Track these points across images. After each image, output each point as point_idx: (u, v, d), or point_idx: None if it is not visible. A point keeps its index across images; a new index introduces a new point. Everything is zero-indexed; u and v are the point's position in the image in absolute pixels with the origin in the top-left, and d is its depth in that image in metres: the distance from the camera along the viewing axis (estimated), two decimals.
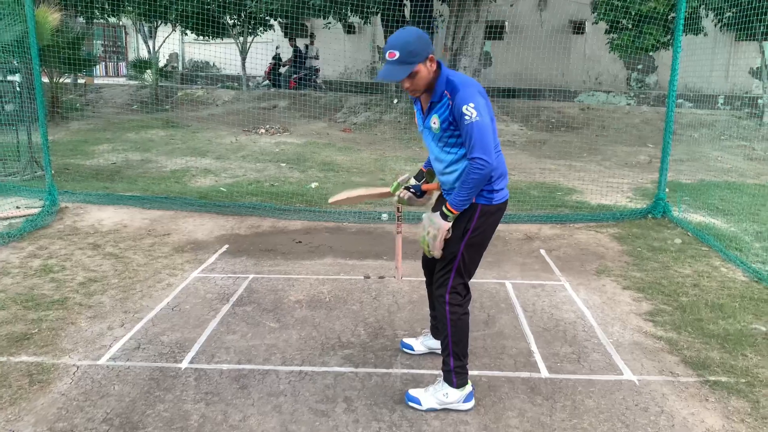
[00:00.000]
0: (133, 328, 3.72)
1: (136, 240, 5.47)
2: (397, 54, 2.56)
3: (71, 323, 3.78)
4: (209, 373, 3.21)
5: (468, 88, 2.60)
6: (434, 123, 2.73)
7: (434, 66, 2.67)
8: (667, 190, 6.50)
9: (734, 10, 11.40)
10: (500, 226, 6.07)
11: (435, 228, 2.74)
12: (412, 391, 2.94)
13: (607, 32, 12.60)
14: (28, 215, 5.92)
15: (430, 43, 2.64)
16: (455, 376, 2.86)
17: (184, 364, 3.30)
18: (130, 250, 5.18)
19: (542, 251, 5.40)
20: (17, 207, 6.33)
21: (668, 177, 6.52)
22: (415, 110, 2.94)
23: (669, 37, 11.91)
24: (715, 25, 13.02)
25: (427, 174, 3.13)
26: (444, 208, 2.71)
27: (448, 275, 2.82)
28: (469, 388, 2.91)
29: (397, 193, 3.11)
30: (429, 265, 3.14)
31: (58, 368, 3.24)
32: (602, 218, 6.43)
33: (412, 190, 3.10)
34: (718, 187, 8.23)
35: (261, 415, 2.85)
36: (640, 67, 17.86)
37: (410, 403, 2.91)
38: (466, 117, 2.54)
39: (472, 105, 2.54)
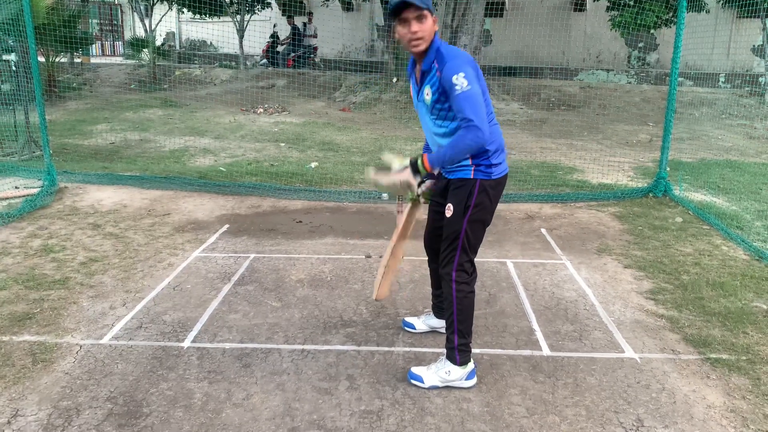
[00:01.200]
0: (135, 308, 3.72)
1: (136, 220, 5.46)
2: None
3: (73, 303, 3.78)
4: (212, 352, 3.22)
5: (456, 59, 2.56)
6: (427, 95, 2.69)
7: (435, 28, 2.65)
8: (668, 168, 6.48)
9: None
10: (501, 206, 6.07)
11: (399, 175, 2.73)
12: (415, 369, 2.95)
13: (608, 9, 12.48)
14: (27, 195, 5.90)
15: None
16: (458, 353, 2.87)
17: (186, 343, 3.31)
18: (131, 230, 5.17)
19: (543, 230, 5.39)
20: (16, 187, 6.30)
21: (669, 156, 6.50)
22: (410, 84, 2.90)
23: (671, 14, 11.80)
24: (717, 2, 12.89)
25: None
26: (419, 162, 2.65)
27: (454, 253, 2.81)
28: (471, 365, 2.92)
29: (420, 195, 2.95)
30: (432, 244, 3.14)
31: (61, 347, 3.24)
32: (603, 197, 6.42)
33: (427, 180, 2.99)
34: (719, 165, 8.21)
35: (264, 394, 2.86)
36: (641, 45, 17.71)
37: (413, 381, 2.92)
38: (456, 87, 2.50)
39: (462, 74, 2.50)
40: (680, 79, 16.31)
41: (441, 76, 2.57)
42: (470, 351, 2.91)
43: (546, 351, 3.28)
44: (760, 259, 4.66)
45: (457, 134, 2.56)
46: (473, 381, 2.92)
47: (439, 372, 2.89)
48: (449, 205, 2.81)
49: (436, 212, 3.07)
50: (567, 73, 17.34)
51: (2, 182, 6.42)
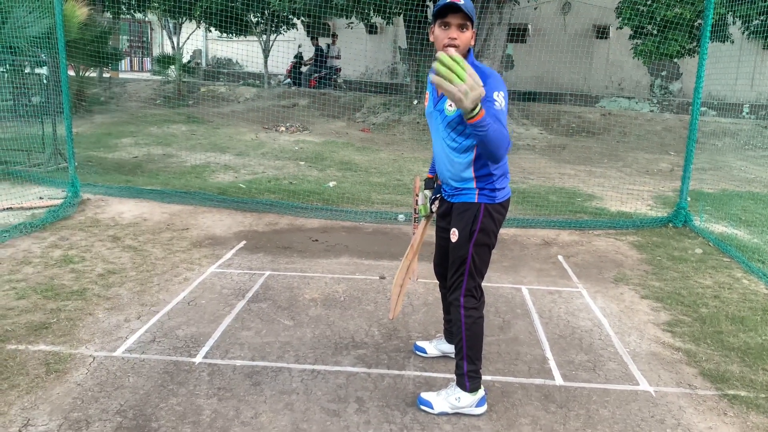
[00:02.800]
0: (149, 321, 3.76)
1: (155, 234, 5.52)
2: (462, 1, 2.51)
3: (89, 314, 3.82)
4: (222, 369, 3.23)
5: (496, 78, 2.55)
6: (449, 105, 2.63)
7: (472, 43, 2.64)
8: (689, 199, 6.41)
9: (762, 18, 11.23)
10: (517, 231, 6.06)
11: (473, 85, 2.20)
12: (424, 395, 2.93)
13: (632, 38, 12.47)
14: (51, 206, 6.01)
15: None
16: (468, 380, 2.84)
17: (198, 359, 3.32)
18: (149, 244, 5.23)
19: (560, 257, 5.35)
20: (40, 197, 6.43)
21: (690, 186, 6.43)
22: (428, 92, 2.85)
23: (694, 43, 11.75)
24: (742, 33, 12.82)
25: (436, 179, 3.10)
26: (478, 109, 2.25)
27: (461, 278, 2.80)
28: (481, 392, 2.89)
29: (429, 211, 3.09)
30: (441, 269, 3.14)
31: (75, 358, 3.28)
32: (622, 225, 6.36)
33: (435, 197, 3.05)
34: (741, 197, 8.09)
35: (273, 413, 2.85)
36: (663, 73, 17.64)
37: (422, 407, 2.89)
38: (497, 103, 2.47)
39: (502, 94, 2.50)
40: (703, 108, 16.21)
41: (486, 86, 2.43)
42: (480, 377, 2.88)
43: (559, 380, 3.24)
44: None
45: (500, 129, 2.34)
46: (483, 408, 2.89)
47: (449, 398, 2.87)
48: (454, 230, 2.81)
49: (442, 237, 3.07)
50: (588, 99, 17.31)
51: (28, 192, 6.56)
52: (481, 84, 2.20)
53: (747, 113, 16.30)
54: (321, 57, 18.07)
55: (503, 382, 3.20)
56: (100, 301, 4.04)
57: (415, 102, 14.52)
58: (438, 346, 3.41)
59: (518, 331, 3.83)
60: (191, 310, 3.96)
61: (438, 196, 3.03)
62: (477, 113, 2.23)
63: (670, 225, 6.31)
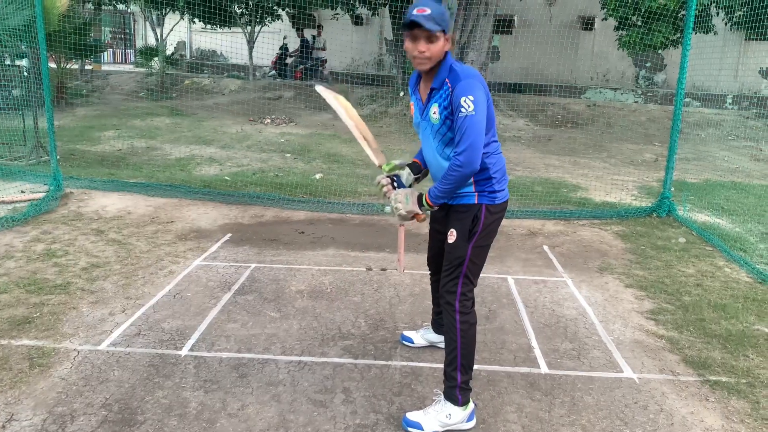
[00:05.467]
0: (134, 315, 3.73)
1: (140, 227, 5.48)
2: (429, 11, 2.45)
3: (73, 308, 3.79)
4: (209, 361, 3.22)
5: (471, 79, 2.49)
6: (434, 113, 2.60)
7: (447, 47, 2.56)
8: (672, 189, 6.47)
9: (745, 9, 11.32)
10: (504, 221, 6.04)
11: (406, 210, 2.70)
12: (411, 415, 2.72)
13: (616, 29, 12.52)
14: (33, 200, 5.94)
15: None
16: (460, 392, 2.68)
17: (184, 352, 3.31)
18: (134, 237, 5.19)
19: (545, 247, 5.38)
20: (22, 191, 6.35)
21: (674, 176, 6.49)
22: (413, 102, 2.81)
23: (678, 34, 11.83)
24: (726, 24, 12.93)
25: (422, 174, 2.95)
26: (423, 200, 2.66)
27: (457, 280, 2.69)
28: (471, 405, 2.74)
29: (382, 175, 2.91)
30: (435, 260, 3.04)
31: (59, 352, 3.25)
32: (606, 215, 6.41)
33: (395, 183, 2.89)
34: (724, 187, 8.19)
35: (259, 404, 2.85)
36: (648, 65, 17.76)
37: (410, 429, 2.67)
38: (463, 109, 2.44)
39: (471, 98, 2.44)
40: (687, 99, 16.35)
41: (453, 93, 2.49)
42: (471, 389, 2.74)
43: (544, 369, 3.27)
44: (763, 281, 4.63)
45: (449, 165, 2.52)
46: (473, 423, 2.73)
47: (438, 416, 2.68)
48: (452, 230, 2.71)
49: (437, 238, 2.97)
50: (574, 91, 17.39)
51: (9, 186, 6.47)
52: (406, 209, 2.68)
53: (730, 104, 16.46)
54: (306, 49, 17.97)
55: (489, 370, 3.22)
56: (84, 294, 4.00)
57: (401, 94, 14.50)
58: (425, 336, 3.42)
59: (504, 320, 3.85)
60: (177, 303, 3.94)
61: (396, 184, 2.89)
62: (427, 209, 2.68)
63: (654, 215, 6.37)
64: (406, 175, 2.92)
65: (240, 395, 2.92)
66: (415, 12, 2.47)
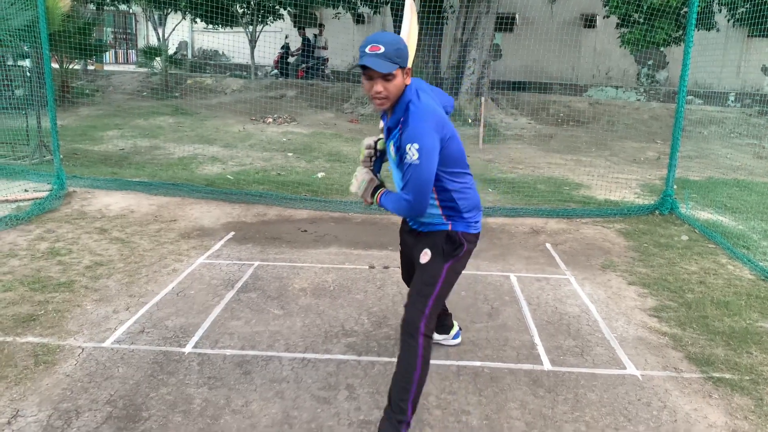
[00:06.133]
0: (137, 312, 3.74)
1: (143, 225, 5.49)
2: (383, 49, 2.31)
3: (77, 306, 3.80)
4: (212, 358, 3.23)
5: (421, 123, 2.34)
6: (392, 150, 2.51)
7: (407, 80, 2.43)
8: (675, 186, 6.47)
9: (747, 6, 11.29)
10: (506, 220, 6.09)
11: (357, 191, 2.69)
12: None
13: (618, 26, 12.52)
14: (36, 198, 5.96)
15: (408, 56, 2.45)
16: (405, 427, 2.50)
17: (187, 349, 3.32)
18: (137, 235, 5.20)
19: (548, 245, 5.38)
20: (26, 190, 6.36)
21: (677, 174, 6.49)
22: (382, 123, 2.66)
23: (681, 32, 11.80)
24: (728, 21, 12.89)
25: None
26: (376, 194, 2.63)
27: (426, 302, 2.51)
28: None
29: (372, 140, 2.76)
30: (411, 277, 2.86)
31: (64, 350, 3.26)
32: (609, 213, 6.40)
33: (376, 157, 2.76)
34: (727, 184, 8.18)
35: (263, 401, 2.86)
36: (650, 62, 17.72)
37: None
38: (407, 156, 2.32)
39: (416, 146, 2.30)
40: (689, 97, 16.31)
41: (401, 138, 2.38)
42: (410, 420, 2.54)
43: (547, 365, 3.27)
44: (766, 279, 4.63)
45: (398, 196, 2.46)
46: None
47: None
48: (426, 250, 2.59)
49: (407, 259, 2.95)
50: (576, 89, 17.37)
51: (12, 185, 6.49)
52: (359, 192, 2.68)
53: (733, 101, 16.42)
54: (308, 48, 17.96)
55: (492, 367, 3.23)
56: (88, 292, 4.01)
57: None
58: None
59: (506, 317, 3.86)
60: (180, 300, 3.95)
61: (373, 168, 2.77)
62: (374, 200, 2.64)
63: (657, 212, 6.36)
64: (384, 161, 2.83)
65: (244, 392, 2.93)
66: (367, 50, 2.32)
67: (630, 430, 2.72)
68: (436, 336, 3.38)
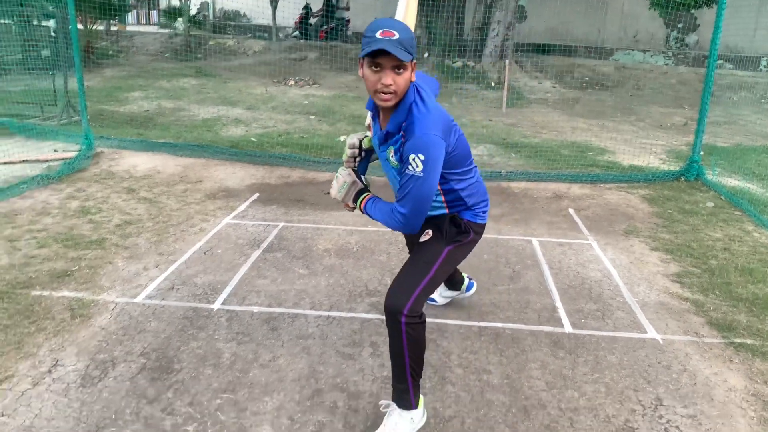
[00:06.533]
0: (167, 270, 3.85)
1: (169, 186, 5.59)
2: (397, 35, 2.05)
3: (109, 262, 3.92)
4: (240, 315, 3.33)
5: (428, 133, 2.14)
6: (391, 156, 2.29)
7: (412, 79, 2.19)
8: (702, 153, 6.37)
9: None
10: (528, 184, 6.07)
11: (337, 196, 2.47)
12: None
13: None
14: (66, 158, 6.07)
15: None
16: (413, 394, 2.45)
17: (216, 305, 3.42)
18: (164, 195, 5.30)
19: (571, 210, 5.37)
20: (55, 150, 6.48)
21: (704, 140, 6.38)
22: (372, 124, 2.46)
23: None
24: None
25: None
26: (359, 199, 2.42)
27: (418, 283, 2.34)
28: (422, 399, 2.53)
29: (356, 139, 2.53)
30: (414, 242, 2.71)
31: (98, 304, 3.38)
32: (633, 179, 6.35)
33: (360, 158, 2.53)
34: (756, 151, 8.02)
35: (290, 356, 2.95)
36: (680, 25, 17.21)
37: None
38: (410, 167, 2.12)
39: (421, 157, 2.11)
40: (720, 61, 15.86)
41: (404, 146, 2.18)
42: (418, 394, 2.49)
43: (568, 328, 3.32)
44: None
45: (391, 207, 2.27)
46: (426, 417, 2.54)
47: (397, 428, 2.44)
48: (428, 230, 2.47)
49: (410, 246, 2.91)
50: (602, 52, 16.97)
51: (42, 145, 6.61)
52: (339, 197, 2.45)
53: (765, 66, 15.95)
54: (329, 9, 17.74)
55: (513, 329, 3.28)
56: (119, 250, 4.13)
57: (426, 55, 14.31)
58: (443, 294, 3.46)
59: (528, 281, 3.89)
60: (208, 259, 4.05)
61: (356, 169, 2.55)
62: (358, 206, 2.41)
63: (682, 179, 6.29)
64: (372, 161, 2.62)
65: (271, 347, 3.02)
66: (379, 35, 2.04)
67: (649, 392, 2.77)
68: (450, 293, 3.43)
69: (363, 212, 2.40)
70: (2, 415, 2.47)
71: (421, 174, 2.12)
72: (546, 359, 3.01)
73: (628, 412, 2.63)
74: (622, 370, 2.94)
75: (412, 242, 2.85)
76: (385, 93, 2.13)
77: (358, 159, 2.52)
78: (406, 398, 2.43)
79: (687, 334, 3.31)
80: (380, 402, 2.61)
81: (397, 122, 2.21)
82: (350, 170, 2.48)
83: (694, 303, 3.67)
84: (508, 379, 2.83)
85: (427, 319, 2.91)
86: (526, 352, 3.07)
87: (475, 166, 2.53)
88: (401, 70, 2.11)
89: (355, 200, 2.44)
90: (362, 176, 2.53)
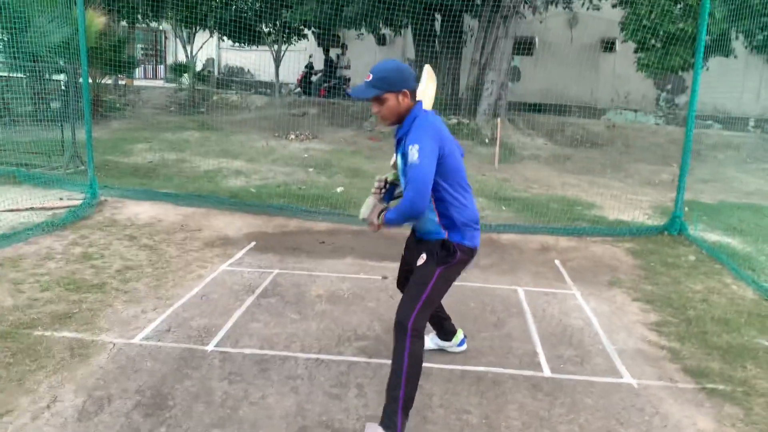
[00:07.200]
0: (164, 313, 4.01)
1: (170, 234, 5.79)
2: (371, 77, 2.71)
3: (108, 305, 4.08)
4: (233, 356, 3.47)
5: (420, 130, 2.65)
6: (399, 160, 2.81)
7: (406, 102, 2.74)
8: (687, 208, 6.61)
9: (765, 33, 11.42)
10: (517, 237, 6.28)
11: (364, 216, 2.90)
12: None
13: (636, 51, 12.70)
14: (71, 206, 6.30)
15: (409, 80, 2.73)
16: (401, 416, 2.68)
17: (210, 347, 3.56)
18: (164, 243, 5.49)
19: (557, 261, 5.56)
20: (60, 198, 6.72)
21: (690, 196, 6.63)
22: (393, 159, 3.01)
23: None
24: (746, 48, 13.00)
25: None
26: (382, 215, 2.83)
27: (416, 301, 2.75)
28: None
29: (384, 177, 3.03)
30: (403, 284, 3.18)
31: (97, 344, 3.53)
32: (619, 233, 6.56)
33: (385, 189, 3.01)
34: (739, 208, 8.27)
35: (279, 395, 3.08)
36: (669, 87, 17.82)
37: None
38: (409, 157, 2.60)
39: (416, 147, 2.59)
40: (709, 122, 16.38)
41: (404, 147, 2.68)
42: (408, 418, 2.74)
43: (547, 372, 3.45)
44: None
45: (400, 201, 2.71)
46: None
47: None
48: (423, 255, 2.84)
49: (404, 266, 3.23)
50: (594, 112, 17.52)
51: (48, 193, 6.85)
52: (367, 216, 2.87)
53: (753, 127, 16.44)
54: (331, 67, 18.41)
55: (495, 372, 3.42)
56: (119, 294, 4.29)
57: None
58: (433, 340, 3.62)
59: (512, 328, 4.05)
60: (204, 303, 4.21)
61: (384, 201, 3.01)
62: (380, 220, 2.83)
63: (666, 233, 6.51)
64: (399, 190, 3.04)
65: (261, 386, 3.16)
66: (366, 78, 2.74)
67: None
68: (442, 343, 3.59)
69: (385, 223, 2.81)
70: None
71: (417, 162, 2.58)
72: (524, 401, 3.14)
73: None
74: (597, 412, 3.06)
75: (405, 257, 3.22)
76: (378, 116, 2.78)
77: (383, 190, 3.01)
78: (392, 419, 2.68)
79: (661, 379, 3.44)
80: (366, 424, 2.80)
81: (402, 131, 2.77)
82: (377, 198, 2.97)
83: (670, 350, 3.81)
84: (486, 419, 2.96)
85: None
86: (505, 394, 3.20)
87: (469, 193, 2.89)
88: (382, 101, 2.73)
89: (378, 217, 2.86)
90: (386, 203, 3.01)
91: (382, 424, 2.71)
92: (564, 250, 5.94)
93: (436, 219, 2.82)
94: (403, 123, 2.79)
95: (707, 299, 4.72)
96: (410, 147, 2.62)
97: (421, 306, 2.75)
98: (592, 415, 3.04)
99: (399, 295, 4.46)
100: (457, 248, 2.80)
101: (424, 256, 2.85)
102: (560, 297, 4.68)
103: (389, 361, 3.44)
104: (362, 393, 3.14)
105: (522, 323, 4.13)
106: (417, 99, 2.82)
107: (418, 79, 2.90)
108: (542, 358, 3.62)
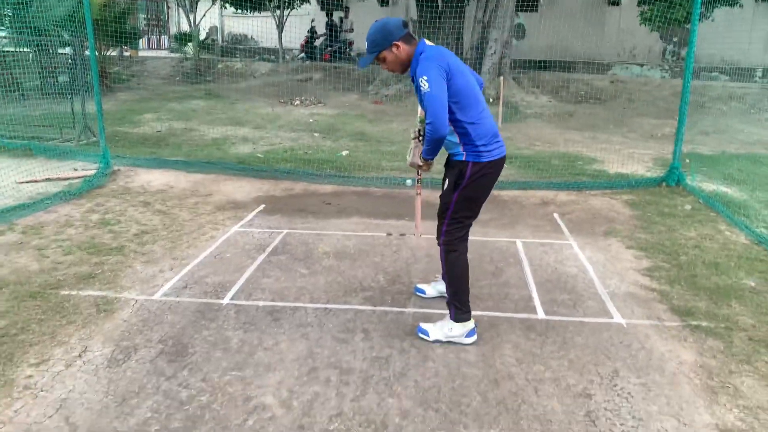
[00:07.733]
0: (181, 272, 4.26)
1: (182, 199, 6.02)
2: (366, 45, 3.11)
3: (128, 266, 4.33)
4: (247, 308, 3.72)
5: (425, 61, 2.96)
6: (415, 92, 3.11)
7: (403, 49, 3.07)
8: (687, 160, 6.72)
9: None
10: (518, 192, 6.45)
11: (409, 162, 3.32)
12: (423, 325, 3.39)
13: (640, 4, 12.60)
14: (85, 176, 6.53)
15: (394, 33, 3.04)
16: (454, 309, 3.30)
17: (225, 300, 3.81)
18: (177, 208, 5.73)
19: (555, 215, 5.74)
20: (75, 169, 6.96)
21: (690, 148, 6.74)
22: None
23: (703, 8, 11.84)
24: None
25: None
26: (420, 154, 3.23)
27: (443, 221, 3.29)
28: (471, 324, 3.31)
29: (415, 128, 3.35)
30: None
31: (120, 301, 3.79)
32: (618, 186, 6.71)
33: (421, 133, 3.29)
34: (739, 158, 8.35)
35: (290, 341, 3.33)
36: (675, 39, 17.63)
37: (420, 335, 3.35)
38: (421, 88, 2.91)
39: (425, 78, 2.89)
40: (715, 73, 16.25)
41: (415, 81, 3.00)
42: (466, 311, 3.30)
43: (541, 315, 3.68)
44: (759, 243, 4.92)
45: (426, 131, 3.01)
46: (473, 338, 3.32)
47: (443, 329, 3.31)
48: (446, 180, 3.27)
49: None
50: (600, 67, 17.41)
51: (62, 165, 7.09)
52: (411, 160, 3.29)
53: (760, 77, 16.29)
54: (334, 31, 18.34)
55: (491, 316, 3.65)
56: (137, 256, 4.54)
57: None
58: (436, 287, 3.86)
59: (509, 276, 4.26)
60: (217, 262, 4.45)
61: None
62: (422, 161, 3.22)
63: (664, 184, 6.65)
64: None
65: (274, 334, 3.41)
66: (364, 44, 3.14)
67: (608, 365, 3.13)
68: (443, 288, 3.80)
69: (424, 156, 3.15)
70: (42, 391, 2.87)
71: (429, 90, 2.88)
72: (518, 340, 3.37)
73: (587, 382, 2.99)
74: (587, 348, 3.29)
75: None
76: (391, 71, 3.19)
77: (420, 136, 3.29)
78: (450, 310, 3.32)
79: (649, 318, 3.66)
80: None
81: (411, 71, 3.10)
82: (416, 141, 3.30)
83: (660, 293, 4.02)
84: (483, 356, 3.20)
85: (414, 310, 3.53)
86: (501, 335, 3.43)
87: (485, 109, 3.15)
88: (383, 60, 3.12)
89: (420, 157, 3.21)
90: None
91: (450, 312, 3.32)
92: (563, 204, 6.11)
93: (457, 140, 3.11)
94: (411, 65, 3.10)
95: (700, 245, 4.90)
96: (420, 79, 2.90)
97: (447, 223, 3.25)
98: (581, 351, 3.27)
99: (402, 251, 4.73)
100: (475, 167, 3.09)
101: (446, 183, 3.24)
102: (557, 247, 4.88)
103: (393, 309, 3.72)
104: (368, 337, 3.38)
105: (519, 272, 4.35)
106: (415, 40, 3.11)
107: (406, 25, 3.17)
108: (537, 303, 3.84)
